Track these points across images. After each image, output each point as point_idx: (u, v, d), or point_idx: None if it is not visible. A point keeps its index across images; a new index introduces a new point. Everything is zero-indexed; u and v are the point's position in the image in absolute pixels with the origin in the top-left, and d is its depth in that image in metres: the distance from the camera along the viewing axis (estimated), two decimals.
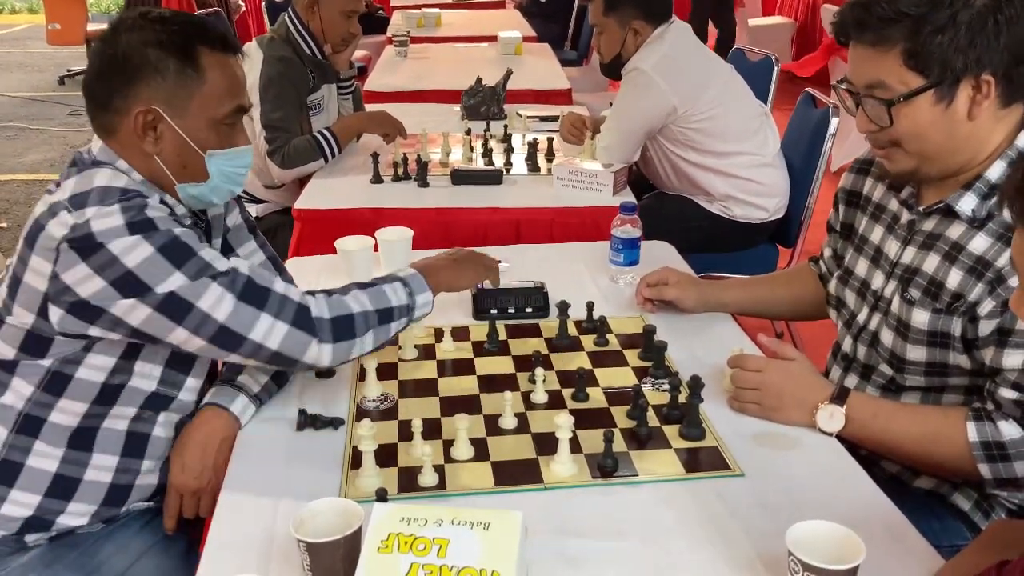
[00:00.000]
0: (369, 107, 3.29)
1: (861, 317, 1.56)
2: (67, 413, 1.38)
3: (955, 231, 1.39)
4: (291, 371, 1.45)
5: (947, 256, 1.39)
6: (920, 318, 1.41)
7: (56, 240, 1.28)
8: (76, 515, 1.41)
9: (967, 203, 1.37)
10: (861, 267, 1.59)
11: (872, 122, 1.39)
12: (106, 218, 1.28)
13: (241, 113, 1.45)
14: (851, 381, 1.58)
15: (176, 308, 1.30)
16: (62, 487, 1.39)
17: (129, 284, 1.27)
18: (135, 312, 1.29)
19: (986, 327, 1.33)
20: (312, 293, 1.42)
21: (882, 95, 1.35)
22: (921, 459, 1.42)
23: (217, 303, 1.31)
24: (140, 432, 1.44)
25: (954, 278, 1.36)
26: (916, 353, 1.43)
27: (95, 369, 1.37)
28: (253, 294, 1.34)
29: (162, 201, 1.39)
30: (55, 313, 1.30)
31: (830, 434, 1.40)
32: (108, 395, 1.39)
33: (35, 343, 1.34)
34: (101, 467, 1.41)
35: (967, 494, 1.47)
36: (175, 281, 1.29)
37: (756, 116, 2.87)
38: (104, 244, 1.27)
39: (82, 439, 1.40)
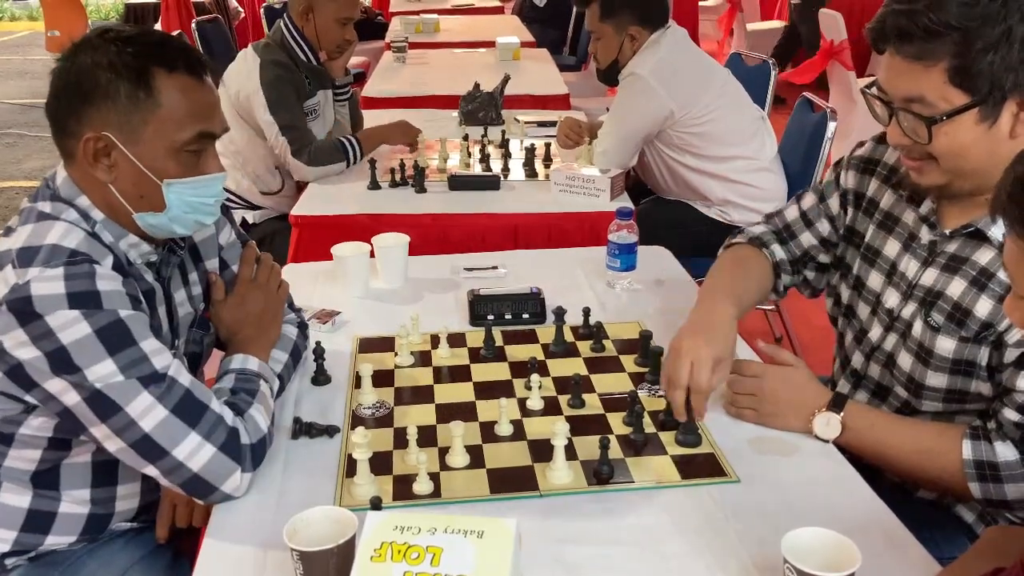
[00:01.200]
0: (368, 113, 3.29)
1: (874, 335, 1.50)
2: (22, 460, 1.33)
3: (983, 256, 1.34)
4: (202, 500, 1.29)
5: (975, 282, 1.34)
6: (946, 346, 1.36)
7: None
8: (57, 544, 1.38)
9: (999, 229, 1.30)
10: (875, 280, 1.52)
11: (907, 136, 1.31)
12: (48, 283, 1.19)
13: (208, 139, 1.35)
14: (862, 397, 1.55)
15: (102, 405, 1.21)
16: (38, 522, 1.36)
17: (62, 361, 1.19)
18: (67, 395, 1.21)
19: (1012, 354, 1.29)
20: (231, 405, 1.33)
21: (921, 111, 1.27)
22: (915, 473, 1.41)
23: (146, 412, 1.22)
24: (106, 460, 1.35)
25: (983, 306, 1.32)
26: (937, 380, 1.39)
27: (39, 428, 1.30)
28: (188, 410, 1.25)
29: (115, 265, 1.28)
30: None
31: (826, 441, 1.39)
32: (59, 444, 1.33)
33: None
34: (75, 500, 1.38)
35: (971, 506, 1.45)
36: (104, 369, 1.20)
37: (753, 120, 2.87)
38: (42, 315, 1.18)
39: (46, 479, 1.35)
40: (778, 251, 1.68)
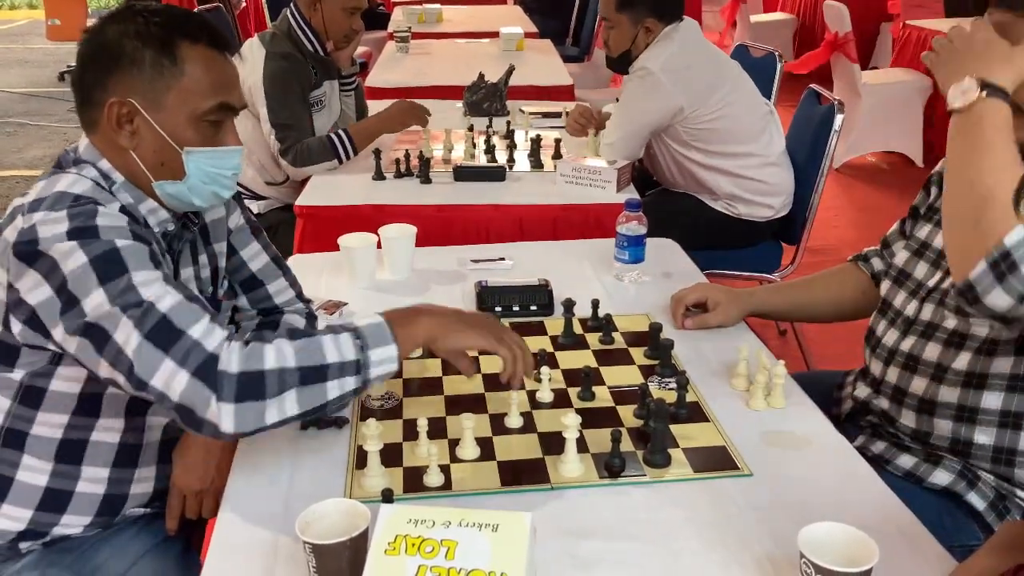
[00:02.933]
0: (372, 104, 3.27)
1: (910, 311, 1.53)
2: (49, 426, 1.34)
3: None
4: (201, 433, 1.22)
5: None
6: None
7: (8, 245, 1.24)
8: (71, 526, 1.39)
9: None
10: (920, 271, 1.55)
11: None
12: (51, 224, 1.23)
13: (228, 111, 1.38)
14: (893, 374, 1.55)
15: (97, 337, 1.20)
16: (54, 500, 1.36)
17: (64, 293, 1.20)
18: (71, 339, 1.22)
19: None
20: (251, 333, 1.27)
21: None
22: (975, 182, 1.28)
23: (127, 338, 1.19)
24: (131, 443, 1.39)
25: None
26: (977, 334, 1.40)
27: (68, 380, 1.32)
28: (163, 334, 1.19)
29: (123, 210, 1.31)
30: (15, 325, 1.26)
31: (952, 109, 1.31)
32: (88, 406, 1.34)
33: (3, 354, 1.30)
34: (93, 479, 1.38)
35: (982, 494, 1.45)
36: (96, 298, 1.20)
37: (762, 115, 2.86)
38: (45, 250, 1.21)
39: (70, 452, 1.36)
40: (877, 263, 1.76)
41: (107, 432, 1.37)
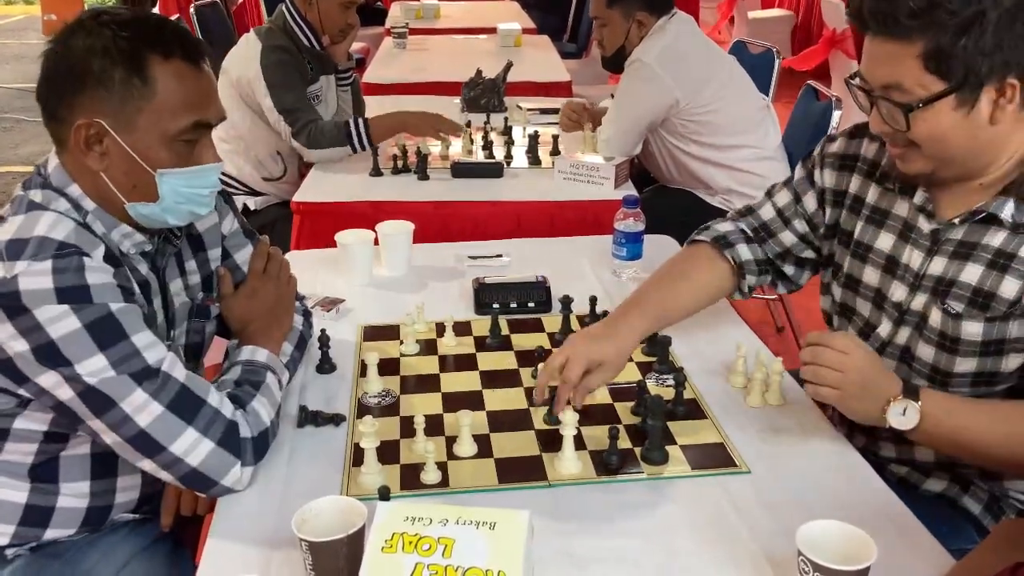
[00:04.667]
0: (369, 99, 3.26)
1: (884, 331, 1.46)
2: (18, 453, 1.31)
3: (995, 238, 1.32)
4: (204, 493, 1.29)
5: (993, 264, 1.31)
6: (972, 330, 1.33)
7: None
8: (57, 536, 1.36)
9: (1008, 209, 1.30)
10: (870, 276, 1.48)
11: (886, 123, 1.31)
12: (36, 277, 1.17)
13: (204, 128, 1.32)
14: None
15: (98, 400, 1.20)
16: (36, 516, 1.33)
17: (51, 355, 1.17)
18: (60, 389, 1.19)
19: None
20: (234, 398, 1.31)
21: (899, 98, 1.27)
22: (1006, 460, 1.33)
23: (142, 408, 1.20)
24: (105, 452, 1.31)
25: (1009, 286, 1.29)
26: (966, 366, 1.36)
27: (34, 421, 1.29)
28: (184, 405, 1.23)
29: (107, 256, 1.25)
30: None
31: (902, 432, 1.30)
32: (55, 437, 1.31)
33: None
34: (74, 494, 1.35)
35: (977, 497, 1.45)
36: (96, 364, 1.18)
37: (758, 109, 2.85)
38: (29, 309, 1.16)
39: (44, 472, 1.32)
40: (744, 252, 1.63)
41: (78, 446, 1.33)
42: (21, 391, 1.23)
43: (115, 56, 1.24)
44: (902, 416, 1.28)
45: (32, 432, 1.30)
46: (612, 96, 2.91)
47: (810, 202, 1.59)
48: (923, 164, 1.33)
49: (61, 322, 1.17)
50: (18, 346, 1.18)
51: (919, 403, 1.27)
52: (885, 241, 1.46)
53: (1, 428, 1.29)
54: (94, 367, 1.19)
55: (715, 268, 1.64)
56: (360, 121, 2.73)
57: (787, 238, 1.62)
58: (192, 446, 1.23)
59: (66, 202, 1.28)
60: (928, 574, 1.12)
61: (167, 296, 1.44)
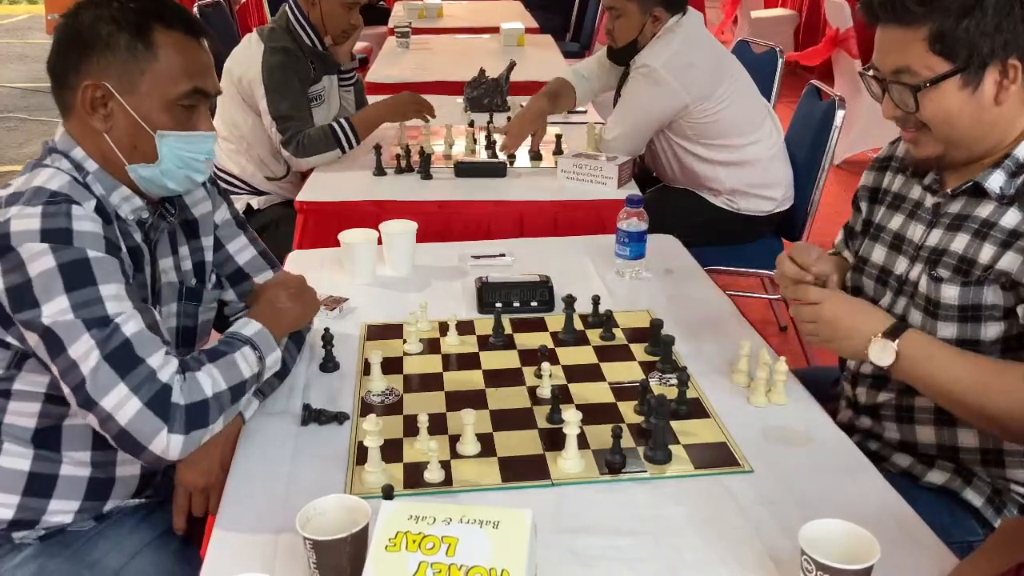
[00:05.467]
0: (372, 99, 3.27)
1: (884, 302, 1.53)
2: (22, 415, 1.35)
3: (984, 209, 1.38)
4: (138, 458, 1.28)
5: (977, 234, 1.37)
6: (950, 293, 1.39)
7: None
8: (60, 512, 1.38)
9: (996, 181, 1.36)
10: (878, 254, 1.57)
11: (898, 107, 1.38)
12: (26, 219, 1.25)
13: (202, 97, 1.40)
14: (869, 366, 1.52)
15: (53, 343, 1.23)
16: (39, 485, 1.37)
17: (24, 295, 1.23)
18: (28, 332, 1.25)
19: None
20: (183, 366, 1.30)
21: (908, 80, 1.34)
22: (973, 410, 1.35)
23: (85, 355, 1.23)
24: None
25: (986, 252, 1.35)
26: (947, 331, 1.40)
27: (32, 384, 1.33)
28: (121, 359, 1.24)
29: (99, 208, 1.33)
30: None
31: (881, 368, 1.37)
32: (56, 400, 1.34)
33: None
34: (75, 462, 1.38)
35: (979, 490, 1.45)
36: (58, 306, 1.23)
37: (760, 108, 2.86)
38: (15, 247, 1.24)
39: (46, 438, 1.36)
40: (849, 257, 1.72)
41: (80, 416, 1.33)
42: (8, 337, 1.29)
43: (121, 23, 1.34)
44: (881, 352, 1.36)
45: (32, 393, 1.34)
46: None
47: (862, 205, 1.68)
48: (933, 147, 1.39)
49: (39, 260, 1.24)
50: (2, 285, 1.25)
51: (896, 342, 1.34)
52: (896, 221, 1.55)
53: (3, 389, 1.34)
54: (56, 308, 1.23)
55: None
56: (343, 120, 2.75)
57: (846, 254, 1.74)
58: (121, 403, 1.23)
59: (68, 163, 1.37)
60: (931, 573, 1.12)
61: (156, 271, 1.48)
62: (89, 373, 1.23)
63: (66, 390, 1.26)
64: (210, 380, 1.30)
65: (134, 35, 1.34)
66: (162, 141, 1.37)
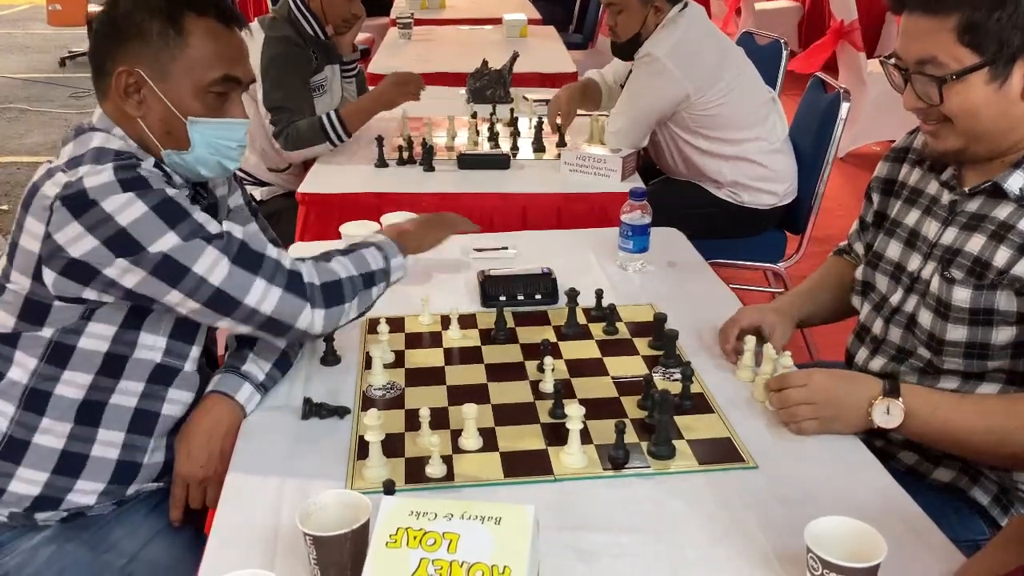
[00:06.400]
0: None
1: (895, 299, 1.51)
2: (73, 385, 1.36)
3: (1003, 211, 1.35)
4: (283, 339, 1.44)
5: (994, 236, 1.35)
6: (961, 295, 1.36)
7: (50, 199, 1.27)
8: (84, 493, 1.40)
9: (1016, 182, 1.33)
10: (893, 250, 1.54)
11: (920, 99, 1.34)
12: (99, 175, 1.27)
13: (234, 84, 1.42)
14: (878, 363, 1.53)
15: (171, 270, 1.29)
16: (69, 464, 1.38)
17: (122, 243, 1.26)
18: (129, 274, 1.28)
19: None
20: (301, 259, 1.43)
21: (933, 72, 1.30)
22: (991, 453, 1.35)
23: (213, 266, 1.31)
24: (149, 410, 1.42)
25: (1002, 256, 1.33)
26: (957, 333, 1.38)
27: (97, 338, 1.36)
28: (248, 258, 1.34)
29: (157, 166, 1.39)
30: (48, 275, 1.28)
31: (889, 430, 1.34)
32: (113, 366, 1.38)
33: (33, 311, 1.32)
34: (108, 443, 1.40)
35: (986, 488, 1.44)
36: (168, 241, 1.28)
37: (765, 101, 2.84)
38: (97, 201, 1.26)
39: (89, 413, 1.38)
40: (860, 249, 1.70)
41: (126, 396, 1.40)
42: (87, 292, 1.30)
43: (154, 10, 1.37)
44: (887, 415, 1.32)
45: (93, 355, 1.36)
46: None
47: (874, 196, 1.66)
48: (954, 140, 1.36)
49: (129, 208, 1.27)
50: (85, 245, 1.26)
51: (900, 399, 1.31)
52: (912, 216, 1.52)
53: (66, 347, 1.35)
54: (168, 243, 1.28)
55: (841, 269, 1.76)
56: (332, 114, 2.71)
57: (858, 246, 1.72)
58: (264, 294, 1.34)
59: (110, 135, 1.40)
60: (938, 571, 1.11)
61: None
62: (223, 280, 1.31)
63: (192, 306, 1.32)
64: (341, 266, 1.44)
65: (166, 22, 1.36)
66: (193, 127, 1.40)
